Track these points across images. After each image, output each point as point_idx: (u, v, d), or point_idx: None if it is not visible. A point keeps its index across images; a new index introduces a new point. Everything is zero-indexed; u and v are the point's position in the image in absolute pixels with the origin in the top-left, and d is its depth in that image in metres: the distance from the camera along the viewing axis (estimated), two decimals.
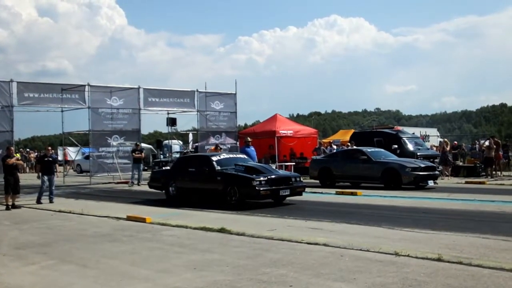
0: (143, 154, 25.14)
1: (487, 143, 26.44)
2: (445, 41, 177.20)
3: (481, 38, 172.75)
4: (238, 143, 30.00)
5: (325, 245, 8.62)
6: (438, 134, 49.81)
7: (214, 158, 16.22)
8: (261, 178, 14.61)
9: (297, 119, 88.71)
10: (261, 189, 14.39)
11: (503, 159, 27.89)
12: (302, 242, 8.92)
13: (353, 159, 21.05)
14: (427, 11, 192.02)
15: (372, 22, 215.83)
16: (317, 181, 22.11)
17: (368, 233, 9.93)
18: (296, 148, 30.36)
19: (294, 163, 28.56)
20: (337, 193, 18.12)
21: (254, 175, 14.71)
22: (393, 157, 21.29)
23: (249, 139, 21.52)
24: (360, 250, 8.16)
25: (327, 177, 21.80)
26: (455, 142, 33.44)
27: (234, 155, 17.84)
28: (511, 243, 8.57)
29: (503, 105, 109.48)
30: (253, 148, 20.93)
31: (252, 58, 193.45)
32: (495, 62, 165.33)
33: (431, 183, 19.67)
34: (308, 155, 29.48)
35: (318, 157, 24.49)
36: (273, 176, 15.01)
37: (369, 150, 21.37)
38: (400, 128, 33.77)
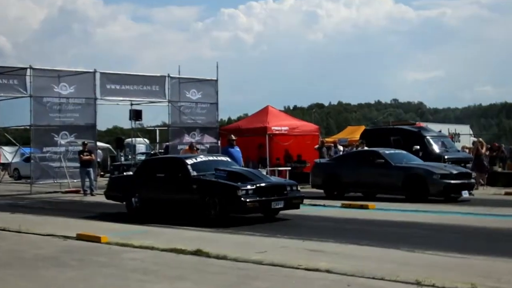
0: (93, 155, 25.03)
1: None
2: (478, 15, 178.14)
3: None
4: (219, 142, 29.99)
5: (328, 271, 8.58)
6: (471, 133, 50.08)
7: (188, 161, 16.14)
8: (248, 187, 14.48)
9: (294, 112, 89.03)
10: (248, 200, 14.26)
11: None
12: (299, 268, 8.87)
13: (367, 163, 21.10)
14: None
15: None
16: (321, 191, 22.16)
17: (383, 257, 9.89)
18: (292, 149, 30.41)
19: (289, 168, 28.60)
20: (343, 206, 18.13)
21: (239, 183, 14.58)
22: (417, 161, 21.42)
23: (233, 137, 21.52)
24: (373, 278, 8.13)
25: (334, 186, 21.84)
26: (495, 143, 33.70)
27: (215, 158, 17.80)
28: None
29: None
30: (238, 149, 20.93)
31: (237, 36, 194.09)
32: None
33: (465, 194, 19.66)
34: (307, 157, 29.54)
35: (322, 160, 24.52)
36: (263, 184, 14.92)
37: (387, 151, 21.47)
38: (423, 124, 33.95)
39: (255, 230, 13.42)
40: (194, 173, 15.65)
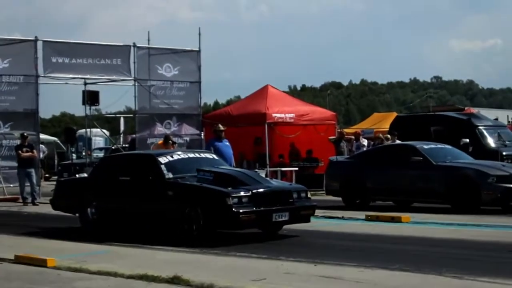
0: (35, 152, 25.03)
1: None
2: None
3: None
4: (203, 134, 30.04)
5: None
6: None
7: (162, 159, 16.04)
8: (242, 194, 14.39)
9: (303, 94, 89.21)
10: (242, 211, 14.13)
11: None
12: None
13: (400, 162, 21.17)
14: None
15: None
16: (339, 199, 22.27)
17: (421, 285, 9.97)
18: (300, 143, 30.50)
19: (297, 168, 28.64)
20: (368, 219, 18.19)
21: (229, 188, 14.54)
22: (466, 159, 21.47)
23: (221, 127, 21.55)
24: None
25: (356, 193, 21.90)
26: None
27: (197, 155, 17.79)
28: None
29: None
30: (227, 143, 20.96)
31: None
32: None
33: None
34: (320, 154, 29.59)
35: (339, 158, 24.56)
36: (261, 190, 14.86)
37: (426, 146, 21.48)
38: (474, 110, 34.10)
39: (251, 251, 13.43)
40: (170, 175, 15.56)
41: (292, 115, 29.93)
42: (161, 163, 15.82)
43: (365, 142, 29.75)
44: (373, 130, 36.93)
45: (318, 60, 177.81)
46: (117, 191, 16.64)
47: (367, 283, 10.13)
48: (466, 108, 38.06)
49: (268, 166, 28.08)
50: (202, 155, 17.86)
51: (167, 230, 15.47)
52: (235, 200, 14.16)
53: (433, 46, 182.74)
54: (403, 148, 22.19)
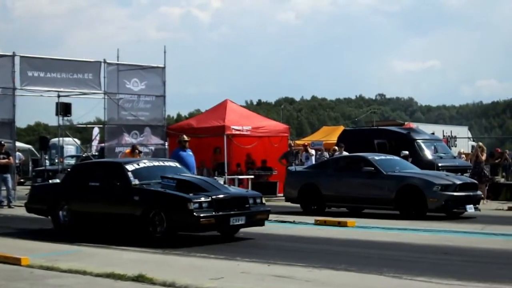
0: (11, 159, 24.81)
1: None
2: None
3: None
4: (167, 144, 29.93)
5: None
6: (470, 136, 50.85)
7: (129, 167, 15.99)
8: (202, 199, 14.36)
9: (259, 108, 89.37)
10: (202, 215, 14.11)
11: None
12: None
13: (353, 171, 21.26)
14: None
15: None
16: (297, 205, 22.30)
17: (364, 284, 10.04)
18: (256, 154, 30.48)
19: (252, 176, 28.67)
20: (317, 223, 18.23)
21: (190, 194, 14.49)
22: (413, 169, 21.56)
23: (185, 138, 21.48)
24: None
25: (313, 200, 21.88)
26: (498, 148, 34.19)
27: (161, 163, 17.76)
28: None
29: None
30: (191, 153, 20.90)
31: (191, 14, 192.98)
32: None
33: (471, 209, 19.60)
34: (274, 164, 29.67)
35: (298, 168, 24.58)
36: (220, 196, 14.84)
37: (377, 158, 21.56)
38: (413, 125, 34.41)
39: (210, 252, 13.43)
40: (136, 182, 15.49)
41: (248, 127, 29.93)
42: (128, 171, 15.76)
43: (313, 152, 29.92)
44: (322, 142, 36.95)
45: (273, 77, 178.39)
46: (88, 195, 16.46)
47: (315, 282, 10.18)
48: (406, 123, 38.39)
49: (226, 174, 28.07)
50: (166, 163, 17.73)
51: (133, 232, 15.40)
52: (196, 205, 14.14)
53: (377, 66, 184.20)
54: (356, 159, 22.16)
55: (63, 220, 16.86)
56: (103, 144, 31.31)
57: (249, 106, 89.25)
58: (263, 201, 15.84)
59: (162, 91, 30.40)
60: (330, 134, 41.87)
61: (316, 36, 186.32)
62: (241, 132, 29.67)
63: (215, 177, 27.50)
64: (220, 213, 14.50)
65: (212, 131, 29.26)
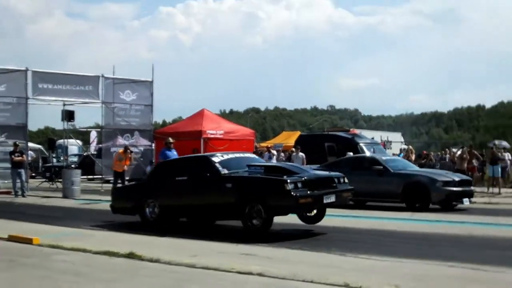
0: (24, 156, 24.69)
1: (459, 152, 27.45)
2: (417, 25, 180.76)
3: (458, 23, 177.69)
4: (153, 145, 29.89)
5: (260, 275, 8.72)
6: (402, 140, 51.29)
7: (215, 159, 14.15)
8: (297, 180, 12.61)
9: (231, 116, 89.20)
10: (299, 194, 12.43)
11: (477, 173, 29.02)
12: (232, 272, 9.00)
13: (363, 170, 20.26)
14: None
15: None
16: None
17: (315, 261, 10.12)
18: None
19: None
20: None
21: (284, 176, 12.73)
22: (414, 167, 21.35)
23: (171, 140, 21.51)
24: (303, 281, 8.32)
25: None
26: (424, 151, 34.53)
27: (243, 155, 15.96)
28: (479, 272, 8.97)
29: (480, 107, 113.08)
30: (175, 152, 20.90)
31: (176, 37, 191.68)
32: (473, 54, 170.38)
33: (466, 202, 19.24)
34: None
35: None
36: (311, 176, 13.26)
37: (384, 158, 21.21)
38: (357, 131, 34.62)
39: (191, 235, 13.41)
40: (225, 171, 13.63)
41: (222, 131, 29.89)
42: (215, 162, 13.92)
43: (275, 152, 30.07)
44: (282, 145, 37.10)
45: (243, 90, 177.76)
46: (176, 189, 14.49)
47: (275, 259, 10.24)
48: (351, 129, 38.54)
49: None
50: (247, 155, 16.11)
51: (226, 220, 14.29)
52: (292, 185, 12.37)
53: (329, 82, 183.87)
54: (367, 159, 21.40)
55: (150, 216, 14.79)
56: (100, 145, 31.12)
57: (223, 114, 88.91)
58: (346, 180, 14.08)
59: (150, 101, 30.32)
60: (288, 138, 42.02)
61: (279, 56, 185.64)
62: (215, 136, 29.63)
63: None
64: (315, 192, 12.85)
65: (191, 135, 29.17)
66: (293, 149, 27.97)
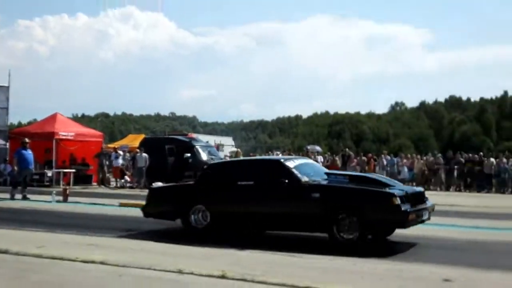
0: None
1: (280, 155, 28.39)
2: (246, 46, 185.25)
3: (282, 46, 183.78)
4: (8, 144, 28.63)
5: (102, 263, 8.46)
6: (233, 144, 52.24)
7: (289, 164, 11.33)
8: (402, 194, 10.23)
9: (82, 120, 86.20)
10: (408, 210, 10.04)
11: None
12: (76, 261, 8.65)
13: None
14: (231, 11, 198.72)
15: (172, 18, 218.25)
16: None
17: (153, 249, 9.97)
18: (77, 153, 29.63)
19: (74, 170, 28.00)
20: (121, 205, 17.73)
21: (386, 189, 10.44)
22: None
23: (26, 140, 20.69)
24: (142, 268, 8.16)
25: None
26: (251, 153, 35.31)
27: (306, 160, 13.04)
28: (295, 258, 9.26)
29: (298, 117, 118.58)
30: (30, 151, 20.19)
31: (32, 47, 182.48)
32: (293, 72, 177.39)
33: None
34: (90, 161, 29.14)
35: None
36: (410, 191, 10.82)
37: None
38: (194, 135, 34.69)
39: (36, 227, 12.81)
40: (306, 179, 10.89)
41: (73, 133, 29.26)
42: (291, 168, 11.14)
43: (121, 152, 29.66)
44: (128, 146, 36.28)
45: (94, 97, 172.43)
46: (237, 195, 11.46)
47: (117, 248, 9.98)
48: (189, 133, 38.54)
49: (54, 168, 27.49)
50: (309, 161, 13.33)
51: (301, 232, 11.35)
52: (399, 200, 10.01)
53: (172, 92, 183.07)
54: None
55: (195, 223, 11.75)
56: None
57: (75, 118, 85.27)
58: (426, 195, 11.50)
59: (6, 105, 29.41)
60: (134, 140, 41.15)
61: (127, 69, 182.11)
62: (67, 137, 28.97)
63: (45, 170, 26.71)
64: (418, 207, 10.52)
65: (44, 136, 28.16)
66: (138, 150, 27.67)
